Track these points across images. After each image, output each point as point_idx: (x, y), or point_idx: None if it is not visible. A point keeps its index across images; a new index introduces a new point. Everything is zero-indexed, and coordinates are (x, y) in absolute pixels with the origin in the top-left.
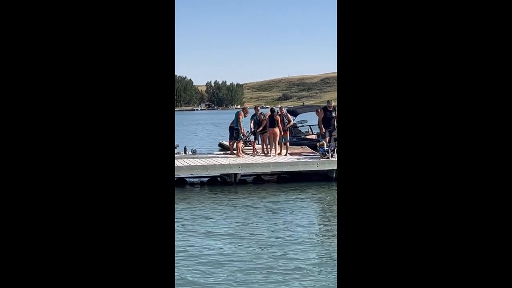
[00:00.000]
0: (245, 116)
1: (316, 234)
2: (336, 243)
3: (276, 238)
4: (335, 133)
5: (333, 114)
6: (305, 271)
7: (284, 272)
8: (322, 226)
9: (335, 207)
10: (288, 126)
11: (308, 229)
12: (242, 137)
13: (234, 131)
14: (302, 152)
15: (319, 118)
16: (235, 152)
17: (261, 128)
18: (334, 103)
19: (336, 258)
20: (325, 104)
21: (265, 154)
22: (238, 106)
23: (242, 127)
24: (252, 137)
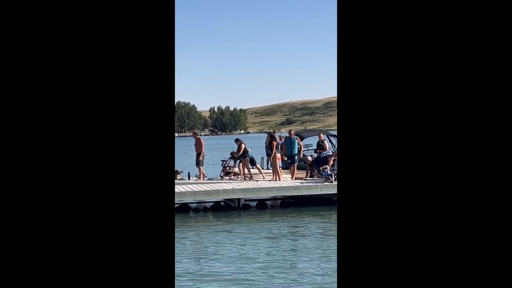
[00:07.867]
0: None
1: (320, 259)
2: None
3: (281, 262)
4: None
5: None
6: None
7: None
8: (326, 250)
9: None
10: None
11: (312, 253)
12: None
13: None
14: (305, 177)
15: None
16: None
17: (240, 153)
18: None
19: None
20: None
21: (248, 179)
22: (242, 131)
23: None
24: (231, 162)
